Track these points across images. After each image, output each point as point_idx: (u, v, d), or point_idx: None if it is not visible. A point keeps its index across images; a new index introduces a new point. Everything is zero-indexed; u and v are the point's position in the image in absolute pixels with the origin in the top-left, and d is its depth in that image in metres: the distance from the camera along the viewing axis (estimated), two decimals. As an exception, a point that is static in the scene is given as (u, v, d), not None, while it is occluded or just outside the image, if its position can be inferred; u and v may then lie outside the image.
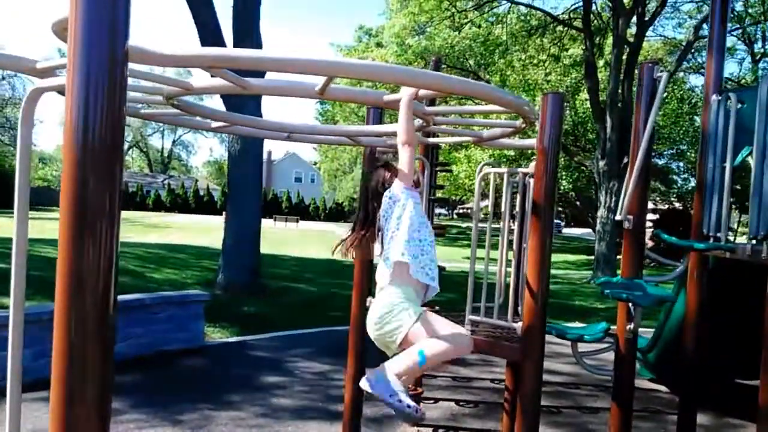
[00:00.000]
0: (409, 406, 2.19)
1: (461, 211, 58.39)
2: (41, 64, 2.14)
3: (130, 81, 2.45)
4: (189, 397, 4.64)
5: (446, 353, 2.28)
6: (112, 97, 1.48)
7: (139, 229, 25.75)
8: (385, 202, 2.53)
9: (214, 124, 2.91)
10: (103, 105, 1.48)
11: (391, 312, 2.38)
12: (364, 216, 2.62)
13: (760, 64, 21.59)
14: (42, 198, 40.62)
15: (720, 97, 3.74)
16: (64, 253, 1.55)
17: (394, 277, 2.45)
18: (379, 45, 23.97)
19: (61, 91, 2.00)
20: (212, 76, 1.99)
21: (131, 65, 2.00)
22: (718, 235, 3.68)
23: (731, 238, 4.19)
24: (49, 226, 16.24)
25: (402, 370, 2.27)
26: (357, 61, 1.78)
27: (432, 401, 4.85)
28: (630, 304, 3.46)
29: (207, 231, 25.73)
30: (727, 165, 3.60)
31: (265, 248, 12.15)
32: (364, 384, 2.33)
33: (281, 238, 25.33)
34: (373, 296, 3.70)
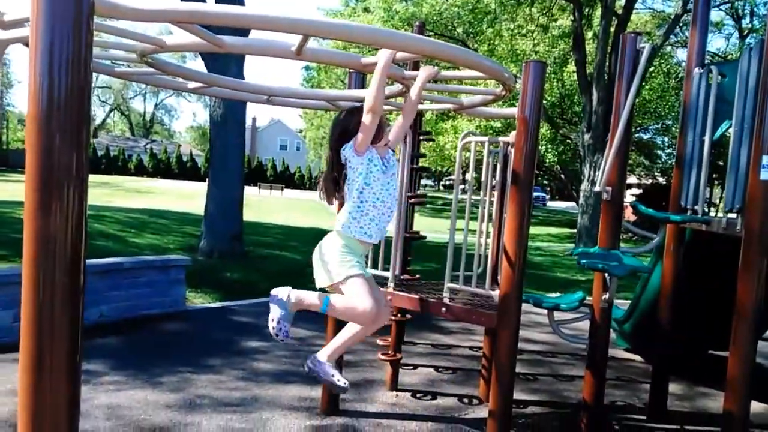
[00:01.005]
0: (275, 329, 2.79)
1: (448, 182, 58.45)
2: (8, 17, 2.07)
3: (105, 38, 2.38)
4: (169, 360, 4.65)
5: (347, 317, 2.78)
6: (78, 51, 1.44)
7: (121, 193, 25.49)
8: (342, 158, 2.68)
9: (191, 85, 2.84)
10: (69, 59, 1.43)
11: (333, 258, 2.71)
12: (331, 159, 2.75)
13: (748, 40, 21.59)
14: (21, 160, 39.99)
15: (702, 71, 3.74)
16: (31, 214, 1.52)
17: (342, 229, 2.73)
18: (366, 10, 23.51)
19: (25, 42, 1.94)
20: (190, 33, 1.93)
21: (105, 21, 1.94)
22: (696, 208, 3.72)
23: (713, 213, 4.25)
24: (29, 189, 15.96)
25: (301, 299, 2.80)
26: (330, 20, 1.75)
27: (411, 367, 4.91)
28: (606, 274, 3.50)
29: (190, 196, 25.53)
30: (707, 138, 3.62)
31: (249, 216, 12.10)
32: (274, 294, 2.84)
33: (266, 205, 25.23)
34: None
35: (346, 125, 2.67)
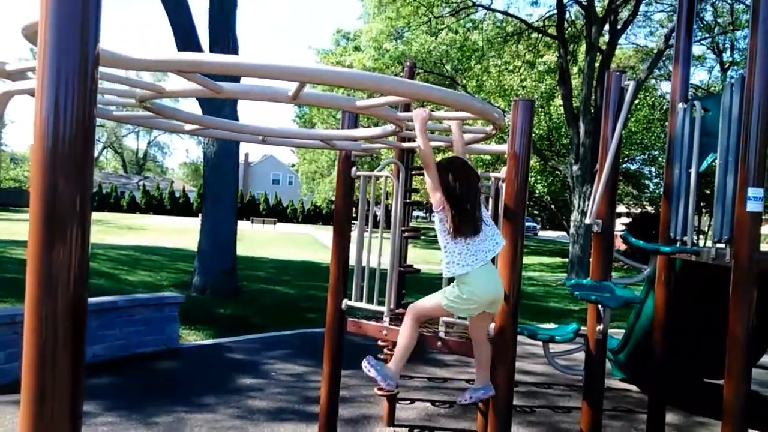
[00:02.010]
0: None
1: (439, 214, 58.54)
2: (11, 67, 2.13)
3: (103, 83, 2.45)
4: (163, 400, 4.61)
5: None
6: (83, 100, 1.49)
7: (114, 230, 25.39)
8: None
9: (188, 127, 2.90)
10: (74, 108, 1.48)
11: None
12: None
13: (729, 73, 22.13)
14: (13, 199, 39.76)
15: (686, 105, 3.85)
16: (35, 254, 1.55)
17: None
18: (356, 49, 23.93)
19: (31, 93, 1.99)
20: (187, 80, 1.99)
21: (103, 68, 2.01)
22: (685, 238, 3.79)
23: (701, 242, 4.32)
24: (21, 227, 15.90)
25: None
26: (326, 67, 1.82)
27: (408, 402, 4.88)
28: (599, 306, 3.54)
29: (183, 233, 25.48)
30: (693, 171, 3.71)
31: (242, 250, 12.09)
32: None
33: (258, 239, 25.19)
34: (353, 295, 3.73)
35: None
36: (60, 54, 1.47)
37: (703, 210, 15.51)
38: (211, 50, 10.00)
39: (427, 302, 3.06)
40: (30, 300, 1.54)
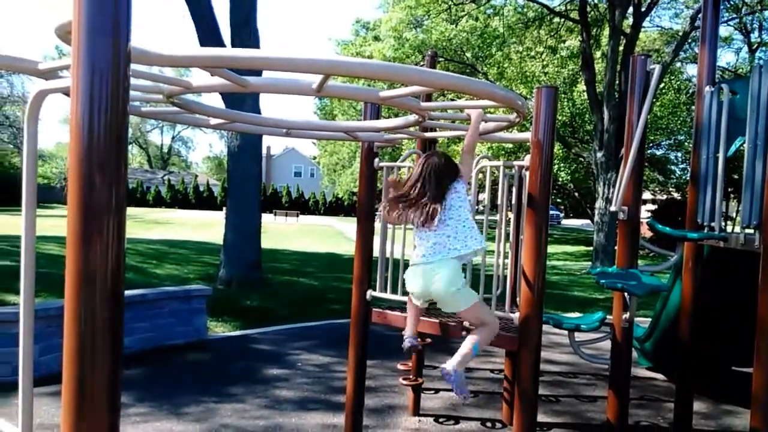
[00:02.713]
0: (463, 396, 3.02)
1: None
2: (43, 65, 2.18)
3: (131, 80, 2.49)
4: (192, 390, 4.71)
5: (489, 339, 3.04)
6: (116, 97, 1.52)
7: (140, 225, 25.81)
8: (461, 190, 2.97)
9: (213, 122, 2.95)
10: (108, 105, 1.52)
11: (462, 284, 2.91)
12: (441, 193, 2.95)
13: (757, 54, 21.57)
14: (43, 195, 40.60)
15: (713, 89, 3.78)
16: (73, 249, 1.59)
17: (464, 251, 2.90)
18: (376, 39, 23.87)
19: (64, 92, 2.04)
20: (211, 75, 2.03)
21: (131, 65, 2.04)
22: (713, 224, 3.74)
23: (729, 227, 4.25)
24: (51, 223, 16.23)
25: (463, 361, 2.96)
26: (352, 59, 1.83)
27: (432, 391, 4.91)
28: (625, 294, 3.51)
29: (208, 226, 25.81)
30: (720, 155, 3.65)
31: (265, 243, 12.22)
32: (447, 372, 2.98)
33: (282, 232, 25.40)
34: (378, 286, 3.76)
35: (450, 165, 3.00)
36: (94, 52, 1.50)
37: (731, 195, 15.21)
38: (233, 42, 10.06)
39: None
40: (69, 292, 1.59)
